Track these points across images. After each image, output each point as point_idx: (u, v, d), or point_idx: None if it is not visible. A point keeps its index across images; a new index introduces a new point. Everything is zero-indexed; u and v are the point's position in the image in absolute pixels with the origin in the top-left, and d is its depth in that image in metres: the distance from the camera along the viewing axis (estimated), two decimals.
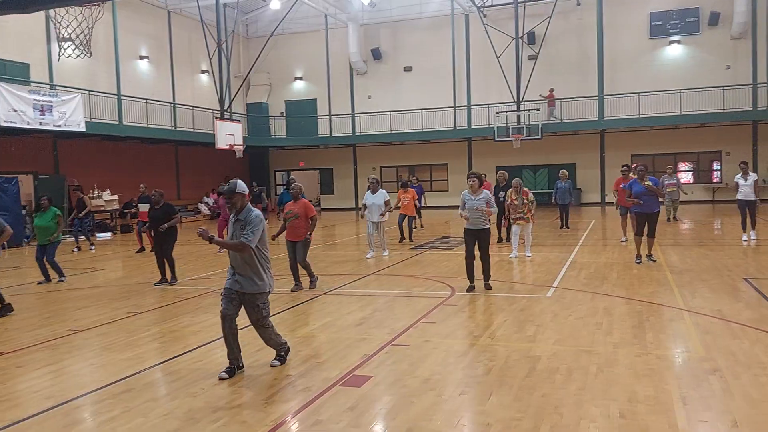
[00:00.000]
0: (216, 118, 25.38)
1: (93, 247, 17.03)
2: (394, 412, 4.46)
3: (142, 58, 27.01)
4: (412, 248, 14.44)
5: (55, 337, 7.10)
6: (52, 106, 19.27)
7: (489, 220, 8.86)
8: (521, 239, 12.26)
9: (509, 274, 10.30)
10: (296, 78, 34.11)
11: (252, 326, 5.63)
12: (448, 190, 31.22)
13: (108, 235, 21.13)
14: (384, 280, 10.34)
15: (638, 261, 10.75)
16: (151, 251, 15.15)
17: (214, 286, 10.15)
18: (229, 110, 26.68)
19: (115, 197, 22.52)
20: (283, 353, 5.74)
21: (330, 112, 32.90)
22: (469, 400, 4.60)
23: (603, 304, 7.65)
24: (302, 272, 9.58)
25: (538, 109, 26.02)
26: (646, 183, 10.36)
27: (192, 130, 27.27)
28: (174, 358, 6.12)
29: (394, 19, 31.63)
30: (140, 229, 15.98)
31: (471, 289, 8.65)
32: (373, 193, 12.78)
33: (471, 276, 8.74)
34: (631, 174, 13.53)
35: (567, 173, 17.21)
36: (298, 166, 34.89)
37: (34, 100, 18.74)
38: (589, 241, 14.65)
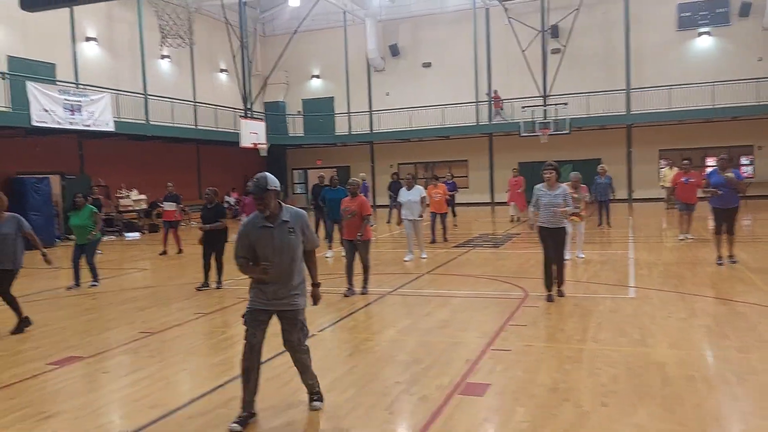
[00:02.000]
0: (240, 116, 25.14)
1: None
2: (539, 426, 4.18)
3: (163, 57, 26.77)
4: (455, 246, 14.15)
5: (131, 340, 6.86)
6: (81, 105, 19.05)
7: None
8: (572, 238, 11.85)
9: (574, 273, 10.00)
10: (313, 76, 33.82)
11: (289, 352, 4.59)
12: (468, 187, 30.90)
13: (137, 235, 20.90)
14: (443, 280, 10.06)
15: (720, 262, 9.98)
16: (178, 253, 15.01)
17: None
18: (251, 109, 26.43)
19: (143, 197, 22.30)
20: (318, 388, 4.71)
21: (348, 109, 32.62)
22: (615, 412, 4.32)
23: (697, 305, 7.36)
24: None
25: (566, 104, 25.66)
26: (727, 174, 9.64)
27: (215, 128, 27.04)
28: (266, 361, 5.83)
29: (413, 14, 31.31)
30: (167, 230, 15.30)
31: (550, 298, 7.88)
32: (409, 189, 12.10)
33: (550, 283, 7.97)
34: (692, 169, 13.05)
35: (606, 168, 16.77)
36: (316, 165, 34.61)
37: (65, 99, 18.52)
38: (640, 238, 14.35)
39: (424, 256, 12.33)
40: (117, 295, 9.86)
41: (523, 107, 26.40)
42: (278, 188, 4.38)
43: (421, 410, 4.54)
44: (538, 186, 8.03)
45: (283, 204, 4.45)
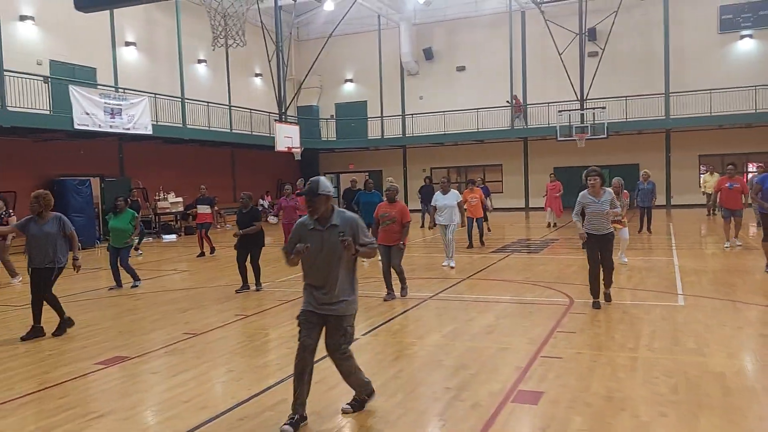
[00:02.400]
0: (275, 120, 25.33)
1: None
2: None
3: (200, 61, 27.16)
4: (492, 252, 13.99)
5: (175, 341, 6.89)
6: (121, 109, 19.40)
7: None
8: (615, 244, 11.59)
9: (618, 279, 9.73)
10: (346, 80, 33.96)
11: (329, 356, 4.56)
12: (502, 192, 30.67)
13: (173, 237, 21.17)
14: (483, 285, 9.92)
15: None
16: (211, 253, 15.21)
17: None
18: (285, 113, 26.64)
19: (180, 199, 22.60)
20: (365, 396, 4.60)
21: (382, 113, 32.63)
22: (676, 423, 4.16)
23: (751, 313, 7.12)
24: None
25: (604, 108, 25.25)
26: None
27: (250, 132, 27.30)
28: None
29: (447, 18, 31.20)
30: (200, 232, 15.41)
31: (597, 305, 7.68)
32: (444, 193, 11.78)
33: (597, 291, 7.75)
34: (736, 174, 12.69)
35: (649, 173, 16.45)
36: (348, 169, 34.70)
37: (105, 103, 18.88)
38: (683, 245, 13.99)
39: (453, 264, 11.74)
40: (158, 296, 9.96)
41: (560, 111, 26.05)
42: (330, 193, 4.35)
43: (474, 417, 4.44)
44: (583, 193, 7.81)
45: (336, 208, 4.41)
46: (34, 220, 7.35)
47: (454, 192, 11.90)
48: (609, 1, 26.35)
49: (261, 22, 24.39)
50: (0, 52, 16.94)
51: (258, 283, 10.05)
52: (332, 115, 33.85)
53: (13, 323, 8.21)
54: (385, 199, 9.03)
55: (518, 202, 30.26)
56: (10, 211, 11.95)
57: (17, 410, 4.92)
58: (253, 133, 27.55)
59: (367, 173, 35.03)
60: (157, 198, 22.31)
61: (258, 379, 5.51)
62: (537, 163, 30.13)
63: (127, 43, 23.50)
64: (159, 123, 21.85)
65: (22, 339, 7.20)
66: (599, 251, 7.70)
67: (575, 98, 25.98)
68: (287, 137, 25.15)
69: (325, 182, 4.37)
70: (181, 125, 23.09)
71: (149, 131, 20.65)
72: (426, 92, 31.99)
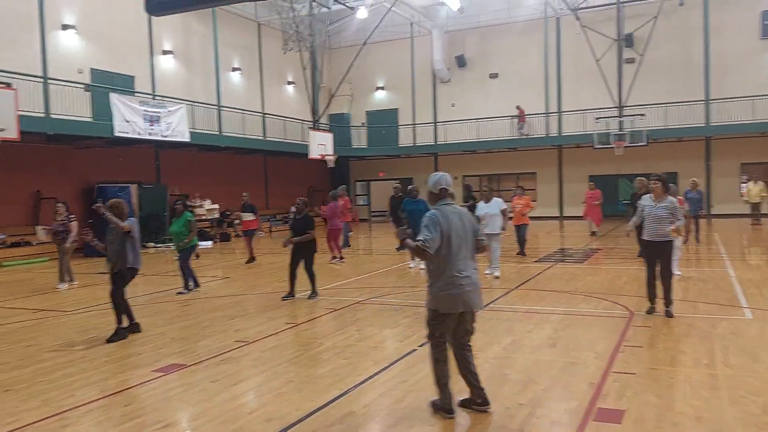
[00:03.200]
0: (309, 128, 25.40)
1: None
2: None
3: (234, 69, 27.36)
4: (536, 261, 13.72)
5: (229, 349, 6.80)
6: (159, 116, 19.59)
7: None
8: None
9: (676, 291, 9.40)
10: (377, 88, 33.94)
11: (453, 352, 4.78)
12: (536, 200, 30.23)
13: (209, 243, 21.26)
14: (534, 296, 9.67)
15: None
16: (252, 260, 15.26)
17: (354, 296, 9.79)
18: (319, 120, 26.71)
19: (216, 206, 22.72)
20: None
21: (414, 121, 32.52)
22: None
23: None
24: None
25: (644, 115, 24.78)
26: None
27: (283, 140, 27.39)
28: (374, 376, 5.67)
29: (481, 24, 31.01)
30: (247, 239, 15.62)
31: (651, 311, 7.67)
32: (487, 201, 11.67)
33: (653, 296, 7.72)
34: None
35: (698, 182, 16.01)
36: (378, 176, 34.64)
37: (144, 111, 19.08)
38: (735, 255, 13.56)
39: (497, 274, 11.58)
40: (203, 302, 9.92)
41: (597, 118, 25.65)
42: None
43: None
44: (646, 196, 7.73)
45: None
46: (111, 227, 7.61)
47: (497, 200, 11.74)
48: (647, 6, 25.96)
49: (296, 30, 24.49)
50: (44, 61, 17.18)
51: (314, 290, 9.93)
52: (363, 123, 33.84)
53: (63, 329, 8.22)
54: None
55: (552, 210, 29.83)
56: (71, 215, 12.16)
57: (83, 418, 4.86)
58: (287, 140, 27.62)
59: (399, 181, 35.03)
60: (192, 204, 22.43)
61: (319, 390, 5.37)
62: (572, 171, 29.72)
63: (165, 52, 23.76)
64: (195, 130, 22.01)
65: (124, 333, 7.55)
66: (656, 259, 7.59)
67: (612, 105, 25.57)
68: (321, 144, 25.22)
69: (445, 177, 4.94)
70: (217, 133, 23.22)
71: (187, 138, 20.82)
72: (458, 99, 31.81)
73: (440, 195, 4.81)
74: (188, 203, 16.58)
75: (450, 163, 32.40)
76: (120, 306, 7.59)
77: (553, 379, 5.42)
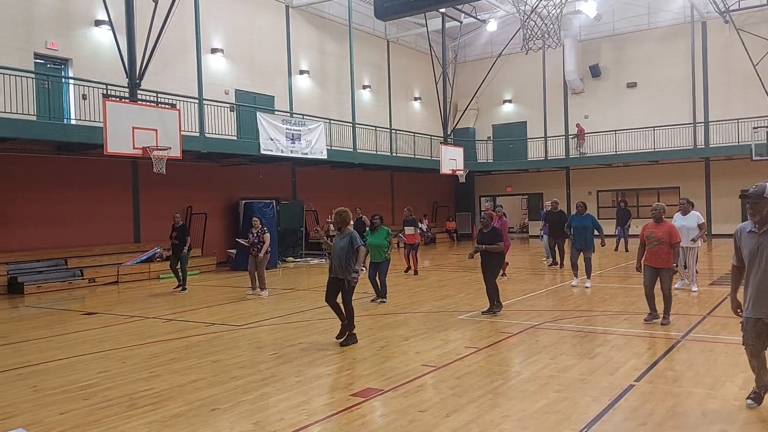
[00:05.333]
0: (441, 143, 25.12)
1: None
2: None
3: (365, 87, 27.70)
4: (711, 284, 12.43)
5: (419, 374, 6.38)
6: (300, 134, 20.05)
7: None
8: None
9: None
10: (505, 101, 33.14)
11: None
12: None
13: None
14: (735, 324, 8.56)
15: None
16: (414, 273, 15.62)
17: (523, 319, 9.16)
18: (451, 135, 26.40)
19: (351, 223, 22.83)
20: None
21: (546, 134, 31.39)
22: None
23: None
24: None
25: None
26: None
27: (413, 156, 27.30)
28: (602, 415, 5.02)
29: (617, 32, 29.52)
30: (408, 252, 16.10)
31: None
32: (684, 214, 11.25)
33: None
34: None
35: None
36: (505, 191, 33.74)
37: (287, 129, 19.60)
38: None
39: (695, 288, 11.47)
40: (369, 320, 9.67)
41: (755, 128, 23.42)
42: None
43: None
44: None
45: None
46: (336, 235, 8.08)
47: (695, 213, 11.35)
48: None
49: (430, 45, 24.41)
50: (200, 83, 18.08)
51: (498, 303, 9.77)
52: (489, 137, 33.14)
53: (241, 344, 8.22)
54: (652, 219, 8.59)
55: None
56: (264, 228, 12.79)
57: None
58: (416, 156, 27.51)
59: (526, 196, 33.98)
60: (328, 221, 22.71)
61: (549, 428, 4.81)
62: (720, 186, 27.40)
63: (301, 72, 24.45)
64: (330, 148, 22.36)
65: (337, 338, 7.98)
66: None
67: None
68: (452, 159, 24.84)
69: None
70: (350, 149, 23.47)
71: (324, 156, 21.16)
72: (592, 111, 30.38)
73: None
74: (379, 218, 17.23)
75: (583, 177, 30.97)
76: (349, 312, 7.91)
77: None
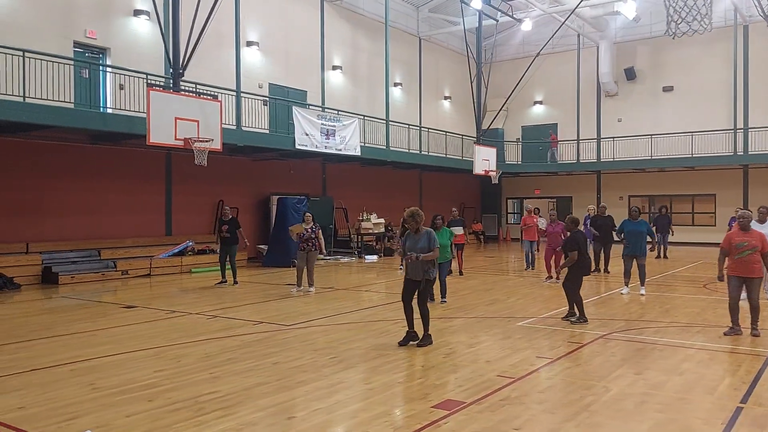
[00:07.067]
0: (474, 143, 24.67)
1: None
2: None
3: (396, 84, 27.30)
4: None
5: (499, 386, 5.95)
6: (335, 130, 19.68)
7: None
8: None
9: None
10: (535, 102, 32.58)
11: None
12: (715, 225, 27.45)
13: (374, 258, 21.03)
14: None
15: None
16: (460, 274, 15.13)
17: (588, 329, 8.70)
18: (483, 135, 25.92)
19: (382, 220, 22.51)
20: None
21: (578, 137, 30.81)
22: None
23: None
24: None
25: None
26: None
27: (444, 155, 26.85)
28: None
29: (654, 35, 28.82)
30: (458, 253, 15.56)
31: None
32: (762, 222, 10.67)
33: None
34: None
35: None
36: (534, 194, 33.15)
37: (322, 124, 19.25)
38: None
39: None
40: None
41: None
42: None
43: None
44: None
45: None
46: (410, 235, 7.78)
47: None
48: None
49: (467, 45, 23.96)
50: (238, 76, 17.77)
51: (581, 314, 9.22)
52: (518, 139, 32.60)
53: (294, 345, 7.85)
54: (738, 226, 8.18)
55: None
56: (317, 224, 12.64)
57: None
58: (447, 155, 27.06)
59: (554, 200, 33.37)
60: (360, 219, 22.38)
61: None
62: (759, 194, 26.62)
63: (334, 67, 24.09)
64: (363, 145, 21.98)
65: (400, 344, 7.66)
66: None
67: None
68: (485, 160, 24.38)
69: None
70: (384, 147, 23.07)
71: (357, 152, 20.80)
72: (625, 114, 29.77)
73: None
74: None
75: (613, 181, 30.37)
76: (425, 314, 7.70)
77: None
